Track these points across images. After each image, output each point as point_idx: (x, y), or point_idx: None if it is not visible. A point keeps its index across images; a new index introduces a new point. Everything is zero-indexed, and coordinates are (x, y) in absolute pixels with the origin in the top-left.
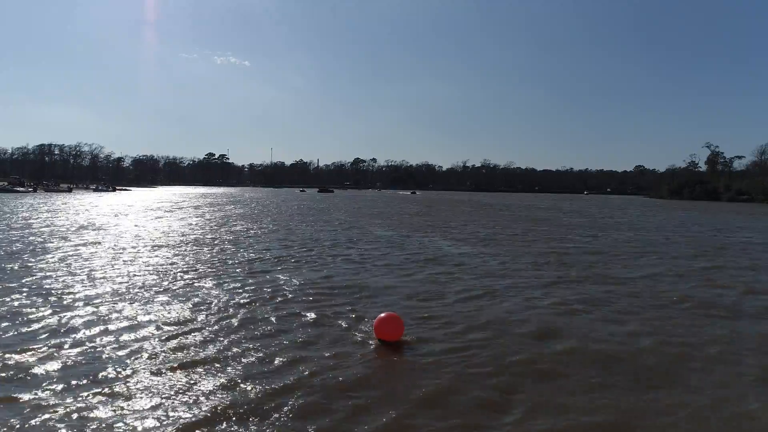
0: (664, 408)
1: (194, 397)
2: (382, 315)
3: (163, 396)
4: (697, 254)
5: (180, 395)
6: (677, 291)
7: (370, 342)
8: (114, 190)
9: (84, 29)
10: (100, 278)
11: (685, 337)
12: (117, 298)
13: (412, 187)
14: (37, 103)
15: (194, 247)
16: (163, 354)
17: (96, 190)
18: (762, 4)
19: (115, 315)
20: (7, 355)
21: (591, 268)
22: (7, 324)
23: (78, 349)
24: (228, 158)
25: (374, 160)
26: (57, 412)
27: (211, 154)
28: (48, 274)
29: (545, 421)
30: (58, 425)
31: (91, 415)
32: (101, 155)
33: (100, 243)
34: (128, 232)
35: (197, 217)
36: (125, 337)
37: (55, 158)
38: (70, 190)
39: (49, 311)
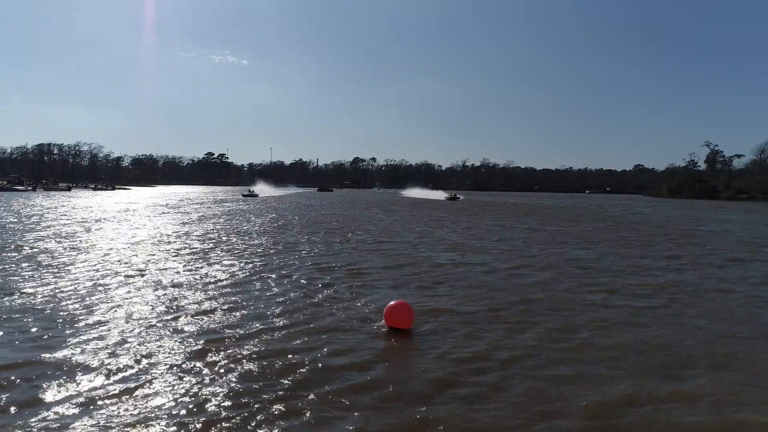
0: None
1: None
2: (392, 303)
3: (172, 373)
4: None
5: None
6: None
7: (381, 330)
8: (113, 189)
9: (82, 28)
10: (115, 265)
11: None
12: (133, 286)
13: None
14: (36, 103)
15: (199, 240)
16: (171, 335)
17: (95, 189)
18: (762, 4)
19: (126, 301)
20: (34, 336)
21: None
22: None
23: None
24: (227, 157)
25: (374, 159)
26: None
27: (211, 154)
28: (83, 263)
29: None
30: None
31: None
32: (100, 154)
33: (115, 232)
34: (140, 227)
35: (200, 212)
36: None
37: (55, 158)
38: (69, 189)
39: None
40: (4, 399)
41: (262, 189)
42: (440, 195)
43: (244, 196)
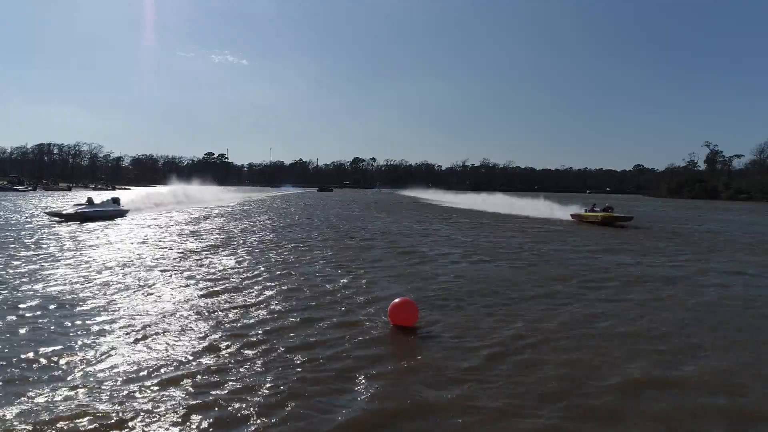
0: None
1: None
2: (397, 300)
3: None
4: None
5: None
6: None
7: (386, 327)
8: (114, 189)
9: (82, 28)
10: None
11: None
12: (148, 272)
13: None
14: (36, 103)
15: (206, 240)
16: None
17: (96, 189)
18: (762, 4)
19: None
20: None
21: None
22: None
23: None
24: (227, 157)
25: (374, 159)
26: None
27: (211, 154)
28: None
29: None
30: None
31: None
32: (100, 155)
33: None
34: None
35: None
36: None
37: (54, 158)
38: (69, 189)
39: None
40: (29, 387)
41: (195, 192)
42: (551, 207)
43: (48, 214)
